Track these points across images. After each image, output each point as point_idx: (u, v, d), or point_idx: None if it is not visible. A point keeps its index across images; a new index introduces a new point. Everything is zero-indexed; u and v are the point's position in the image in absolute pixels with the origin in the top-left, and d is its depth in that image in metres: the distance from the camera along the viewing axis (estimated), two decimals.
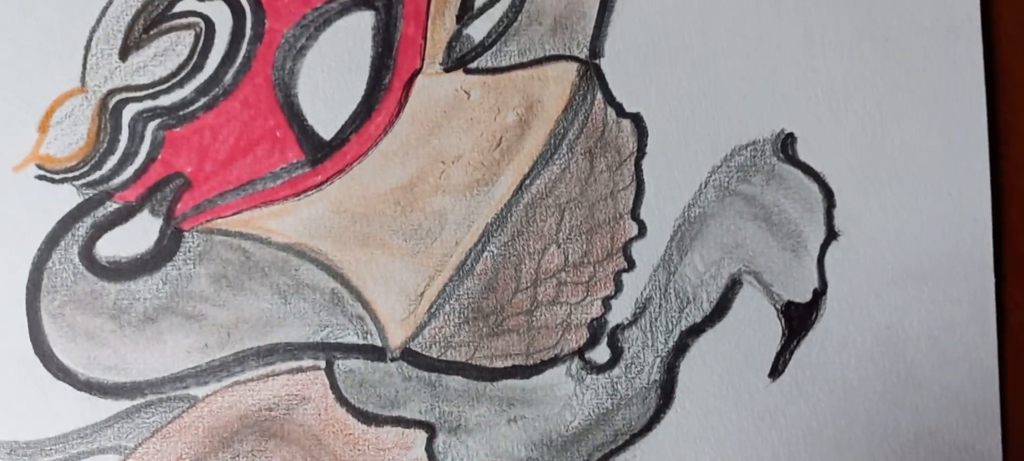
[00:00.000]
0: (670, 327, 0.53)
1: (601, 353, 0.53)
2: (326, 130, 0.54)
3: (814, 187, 0.53)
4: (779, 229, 0.53)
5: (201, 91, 0.54)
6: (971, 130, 0.53)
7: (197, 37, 0.55)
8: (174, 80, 0.54)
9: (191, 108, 0.54)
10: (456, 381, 0.54)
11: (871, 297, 0.52)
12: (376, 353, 0.54)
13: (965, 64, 0.53)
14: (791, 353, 0.52)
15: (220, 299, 0.54)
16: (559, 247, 0.54)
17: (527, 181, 0.54)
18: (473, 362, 0.53)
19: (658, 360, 0.53)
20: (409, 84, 0.54)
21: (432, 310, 0.54)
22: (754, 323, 0.53)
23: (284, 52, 0.54)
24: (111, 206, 0.54)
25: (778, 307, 0.53)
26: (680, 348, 0.53)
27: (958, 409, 0.52)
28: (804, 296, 0.53)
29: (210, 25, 0.55)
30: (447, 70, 0.54)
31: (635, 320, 0.53)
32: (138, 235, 0.54)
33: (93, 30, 0.55)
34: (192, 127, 0.54)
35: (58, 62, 0.55)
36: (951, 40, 0.53)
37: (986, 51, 0.53)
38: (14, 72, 0.55)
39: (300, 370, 0.54)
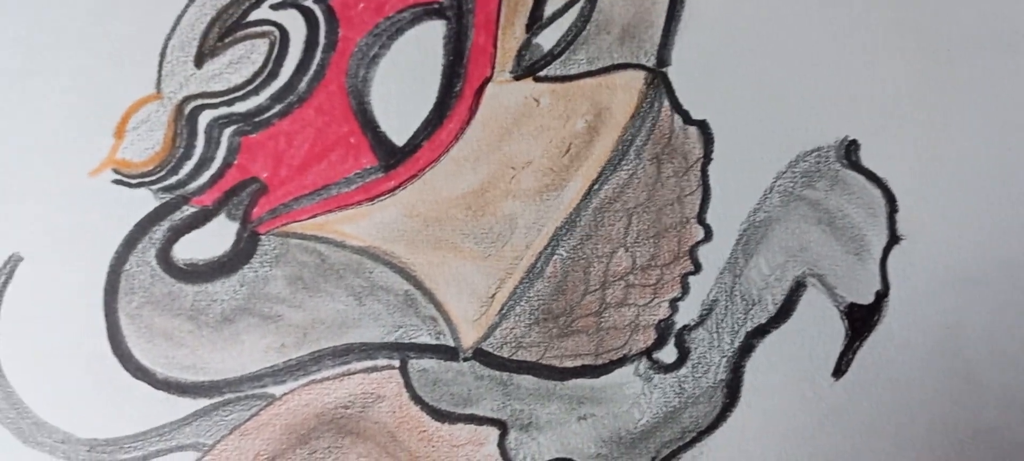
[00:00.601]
0: (736, 328, 0.54)
1: (668, 353, 0.54)
2: (399, 136, 0.55)
3: (877, 193, 0.54)
4: (843, 233, 0.54)
5: (276, 98, 0.55)
6: None
7: (272, 45, 0.56)
8: (249, 87, 0.55)
9: (266, 115, 0.55)
10: (527, 380, 0.54)
11: (931, 299, 0.53)
12: (449, 353, 0.54)
13: (1019, 76, 0.54)
14: (854, 353, 0.53)
15: (296, 300, 0.55)
16: (627, 250, 0.54)
17: (596, 186, 0.54)
18: (543, 362, 0.54)
19: (724, 360, 0.54)
20: (480, 92, 0.55)
21: (503, 311, 0.54)
22: (818, 324, 0.53)
23: (357, 60, 0.55)
24: (188, 210, 0.55)
25: (841, 309, 0.53)
26: (746, 349, 0.54)
27: (1016, 408, 0.52)
28: (867, 298, 0.53)
29: (284, 34, 0.56)
30: (517, 78, 0.55)
31: (702, 321, 0.54)
32: (215, 238, 0.55)
33: (168, 38, 0.56)
34: (267, 133, 0.55)
35: (134, 69, 0.56)
36: (1009, 54, 0.55)
37: None
38: (90, 79, 0.56)
39: (375, 369, 0.54)
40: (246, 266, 0.55)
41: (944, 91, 0.54)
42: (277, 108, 0.55)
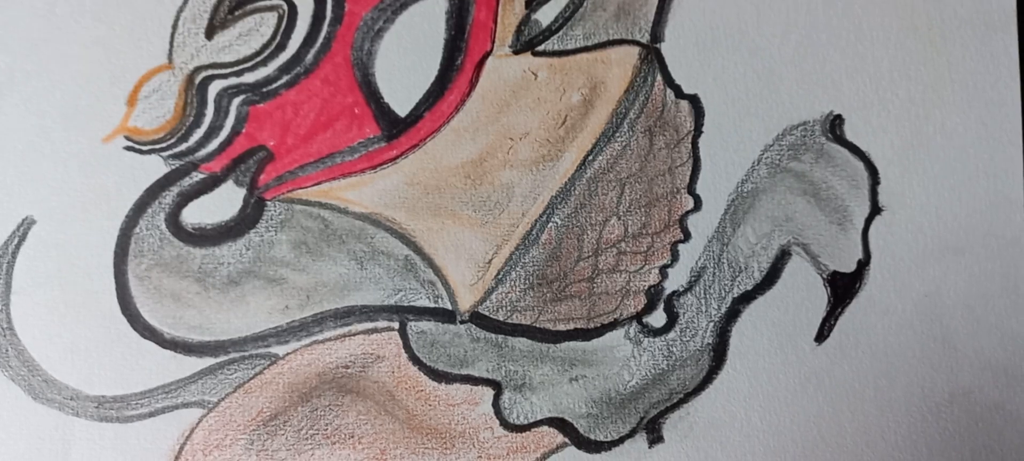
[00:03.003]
0: (723, 294, 0.54)
1: (658, 318, 0.54)
2: (401, 107, 0.54)
3: (860, 165, 0.54)
4: (827, 204, 0.54)
5: (284, 69, 0.54)
6: (1006, 116, 0.54)
7: (280, 18, 0.54)
8: (258, 59, 0.54)
9: (274, 85, 0.54)
10: (521, 342, 0.54)
11: (912, 268, 0.53)
12: (446, 316, 0.54)
13: (1001, 55, 0.54)
14: (836, 319, 0.53)
15: (300, 264, 0.54)
16: (619, 219, 0.54)
17: (590, 157, 0.54)
18: (537, 325, 0.54)
19: (711, 325, 0.54)
20: (480, 65, 0.54)
21: (499, 276, 0.54)
22: (802, 291, 0.53)
23: (363, 34, 0.55)
24: (196, 176, 0.54)
25: (824, 276, 0.53)
26: (732, 314, 0.54)
27: (990, 372, 0.53)
28: (849, 266, 0.53)
29: (292, 7, 0.54)
30: (516, 52, 0.55)
31: (690, 287, 0.54)
32: (222, 204, 0.54)
33: (180, 10, 0.56)
34: (275, 103, 0.54)
35: (146, 40, 0.55)
36: (989, 33, 0.54)
37: (1021, 44, 0.55)
38: (104, 49, 0.54)
39: (375, 331, 0.54)
40: (252, 231, 0.54)
41: (927, 68, 0.54)
42: (284, 79, 0.54)
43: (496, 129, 0.54)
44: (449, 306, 0.54)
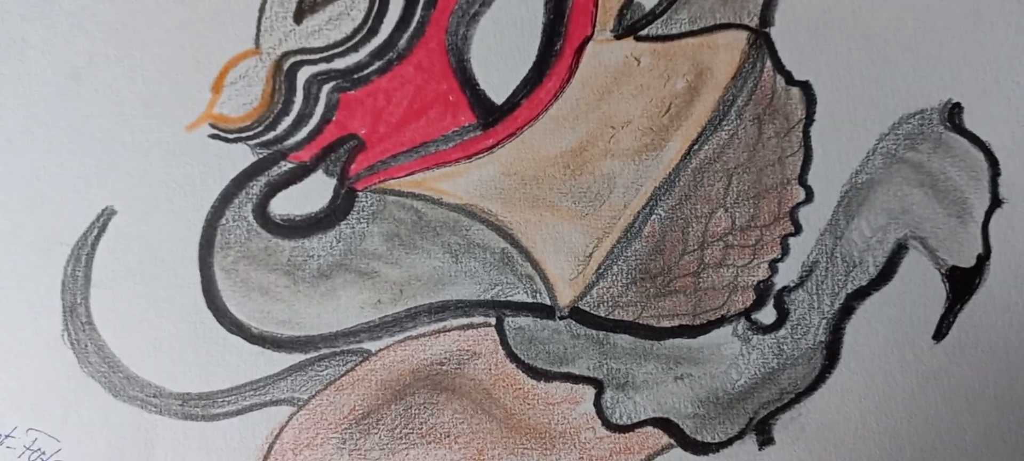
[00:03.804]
0: (836, 290, 0.51)
1: (767, 314, 0.52)
2: (498, 95, 0.52)
3: (980, 156, 0.51)
4: (945, 196, 0.51)
5: (375, 55, 0.52)
6: None
7: (371, 2, 0.52)
8: (349, 44, 0.52)
9: (365, 71, 0.52)
10: (624, 339, 0.52)
11: None
12: (545, 311, 0.52)
13: None
14: (955, 316, 0.51)
15: (393, 257, 0.52)
16: (726, 211, 0.52)
17: (695, 146, 0.52)
18: (640, 321, 0.52)
19: (824, 322, 0.51)
20: (580, 51, 0.52)
21: (600, 271, 0.52)
22: (919, 287, 0.51)
23: (457, 18, 0.52)
24: (285, 166, 0.52)
25: (943, 271, 0.51)
26: (846, 310, 0.51)
27: None
28: (968, 261, 0.51)
29: None
30: (618, 37, 0.52)
31: (801, 283, 0.52)
32: (312, 194, 0.52)
33: None
34: (366, 90, 0.52)
35: (232, 24, 0.52)
36: None
37: None
38: (188, 34, 0.52)
39: (471, 327, 0.52)
40: (343, 222, 0.52)
41: None
42: (376, 65, 0.52)
43: (597, 117, 0.52)
44: (548, 301, 0.52)
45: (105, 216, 0.53)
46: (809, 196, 0.51)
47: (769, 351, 0.51)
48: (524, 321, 0.52)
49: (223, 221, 0.52)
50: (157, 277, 0.52)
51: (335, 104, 0.52)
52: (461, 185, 0.52)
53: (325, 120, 0.52)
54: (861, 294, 0.51)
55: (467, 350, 0.52)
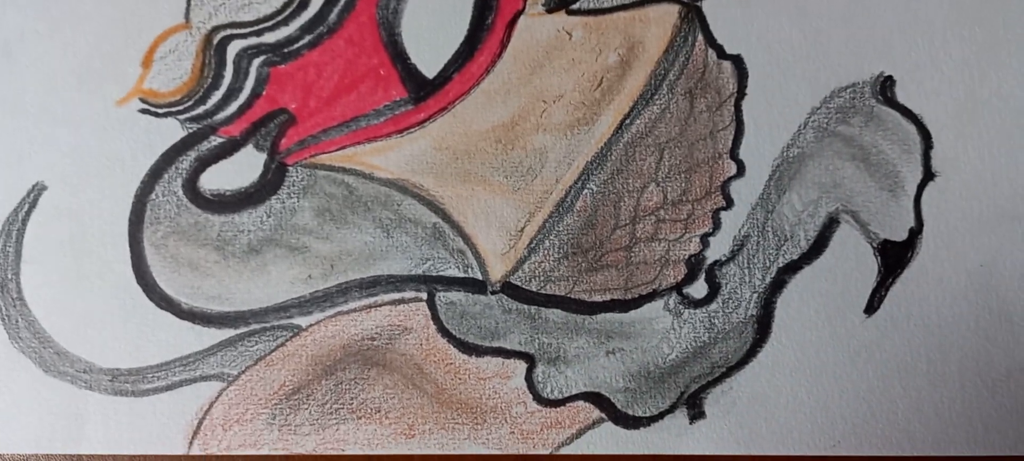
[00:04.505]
0: (767, 264, 0.51)
1: (699, 288, 0.51)
2: (429, 69, 0.52)
3: (912, 129, 0.51)
4: (877, 169, 0.51)
5: (306, 29, 0.52)
6: None
7: None
8: (279, 17, 0.52)
9: (296, 45, 0.52)
10: (555, 314, 0.51)
11: (966, 236, 0.50)
12: (477, 286, 0.51)
13: None
14: (887, 290, 0.50)
15: (324, 232, 0.52)
16: (658, 185, 0.51)
17: (627, 120, 0.51)
18: (572, 296, 0.51)
19: (755, 296, 0.51)
20: (512, 24, 0.51)
21: (532, 245, 0.51)
22: (851, 261, 0.50)
23: None
24: (215, 140, 0.52)
25: (874, 245, 0.50)
26: (777, 284, 0.51)
27: None
28: (900, 235, 0.51)
29: None
30: (549, 11, 0.52)
31: (733, 257, 0.51)
32: (242, 169, 0.52)
33: None
34: (297, 64, 0.52)
35: None
36: None
37: None
38: (119, 9, 0.52)
39: (402, 301, 0.51)
40: (273, 197, 0.52)
41: (982, 27, 0.51)
42: (307, 39, 0.52)
43: (529, 91, 0.51)
44: (479, 276, 0.51)
45: (36, 191, 0.52)
46: (741, 170, 0.51)
47: (700, 325, 0.50)
48: (456, 296, 0.51)
49: (153, 196, 0.52)
50: (87, 252, 0.52)
51: (265, 78, 0.52)
52: (392, 160, 0.51)
53: (255, 94, 0.52)
54: (792, 268, 0.50)
55: (398, 325, 0.51)
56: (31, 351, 0.51)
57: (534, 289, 0.51)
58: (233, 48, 0.52)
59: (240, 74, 0.51)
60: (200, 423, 0.51)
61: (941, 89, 0.50)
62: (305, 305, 0.51)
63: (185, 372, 0.51)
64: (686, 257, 0.51)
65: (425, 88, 0.51)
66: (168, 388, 0.51)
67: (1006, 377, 0.49)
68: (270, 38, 0.52)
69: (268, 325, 0.51)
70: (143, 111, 0.52)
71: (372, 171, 0.51)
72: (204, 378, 0.51)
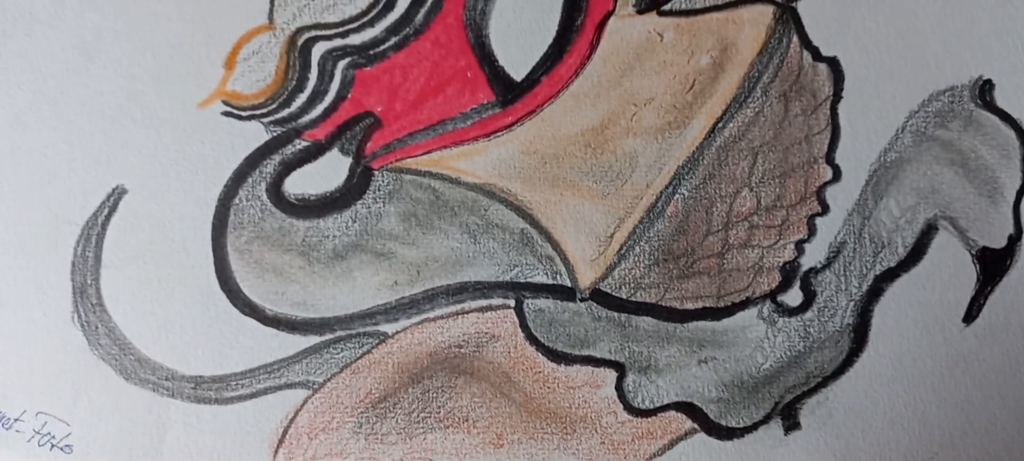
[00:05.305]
0: (864, 271, 0.50)
1: (793, 296, 0.50)
2: (517, 71, 0.51)
3: (1011, 134, 0.50)
4: (976, 175, 0.50)
5: (392, 30, 0.51)
6: None
7: None
8: (364, 19, 0.51)
9: (382, 47, 0.51)
10: (646, 322, 0.50)
11: None
12: (566, 293, 0.50)
13: None
14: (986, 298, 0.49)
15: (410, 237, 0.51)
16: (752, 190, 0.50)
17: (720, 124, 0.50)
18: (663, 303, 0.50)
19: (852, 304, 0.50)
20: (601, 26, 0.51)
21: (622, 252, 0.50)
22: (949, 268, 0.49)
23: None
24: (300, 144, 0.51)
25: (973, 252, 0.50)
26: (874, 292, 0.50)
27: None
28: (1000, 242, 0.50)
29: None
30: (640, 12, 0.51)
31: (829, 264, 0.50)
32: (327, 173, 0.51)
33: None
34: (382, 66, 0.51)
35: None
36: None
37: None
38: (200, 8, 0.51)
39: (490, 308, 0.51)
40: (359, 202, 0.51)
41: None
42: (393, 40, 0.51)
43: (619, 94, 0.50)
44: (568, 283, 0.50)
45: (116, 195, 0.51)
46: (837, 175, 0.50)
47: (795, 334, 0.50)
48: (544, 303, 0.50)
49: (236, 200, 0.51)
50: (169, 257, 0.51)
51: (350, 81, 0.51)
52: (479, 164, 0.51)
53: (340, 97, 0.51)
54: (890, 275, 0.49)
55: (486, 332, 0.50)
56: (111, 358, 0.51)
57: (624, 296, 0.50)
58: (318, 50, 0.51)
59: (325, 76, 0.51)
60: (285, 432, 0.50)
61: None
62: (391, 312, 0.50)
63: (269, 380, 0.50)
64: (780, 264, 0.50)
65: (513, 91, 0.50)
66: (252, 396, 0.50)
67: None
68: (355, 40, 0.51)
69: (354, 332, 0.50)
70: (226, 114, 0.51)
71: (459, 175, 0.50)
72: (289, 386, 0.50)
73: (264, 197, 0.51)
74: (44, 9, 0.51)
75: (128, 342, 0.51)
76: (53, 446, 0.50)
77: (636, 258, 0.50)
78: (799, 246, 0.50)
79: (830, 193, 0.50)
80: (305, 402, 0.50)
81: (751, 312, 0.50)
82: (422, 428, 0.50)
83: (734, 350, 0.50)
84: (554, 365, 0.50)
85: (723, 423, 0.50)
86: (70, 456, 0.50)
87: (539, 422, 0.50)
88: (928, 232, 0.49)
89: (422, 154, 0.51)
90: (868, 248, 0.49)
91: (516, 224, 0.50)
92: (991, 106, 0.49)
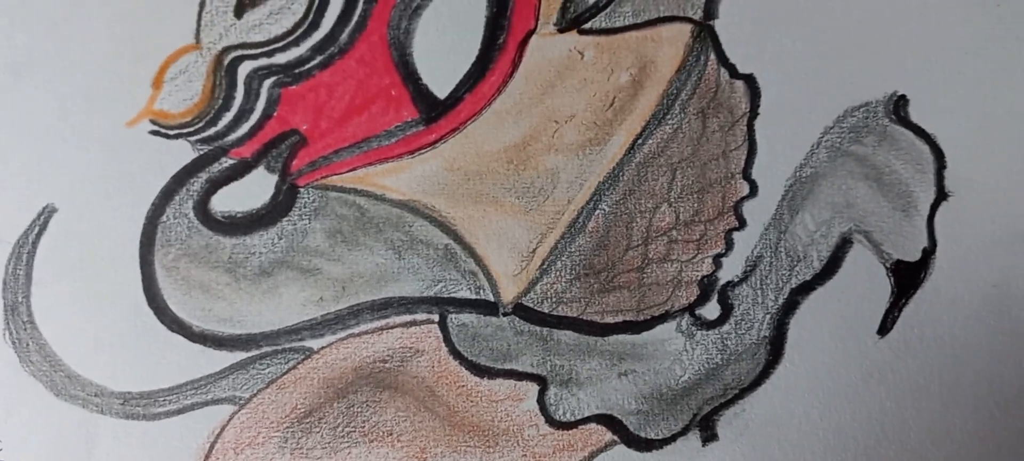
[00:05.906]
0: (780, 285, 0.50)
1: (711, 309, 0.51)
2: (440, 89, 0.51)
3: (925, 149, 0.50)
4: (890, 189, 0.51)
5: (317, 49, 0.51)
6: None
7: None
8: (290, 38, 0.51)
9: (307, 66, 0.51)
10: (567, 336, 0.51)
11: (980, 257, 0.50)
12: (489, 308, 0.51)
13: None
14: (900, 311, 0.50)
15: (335, 254, 0.51)
16: (671, 206, 0.51)
17: (639, 141, 0.51)
18: (584, 317, 0.51)
19: (768, 317, 0.50)
20: (523, 44, 0.51)
21: (544, 266, 0.51)
22: (864, 281, 0.50)
23: (400, 11, 0.51)
24: (226, 162, 0.51)
25: (888, 266, 0.50)
26: (790, 305, 0.50)
27: None
28: (914, 255, 0.50)
29: None
30: (561, 30, 0.51)
31: (745, 278, 0.51)
32: (253, 190, 0.51)
33: None
34: (308, 85, 0.51)
35: (172, 19, 0.51)
36: None
37: None
38: (128, 28, 0.51)
39: (414, 323, 0.51)
40: (285, 219, 0.51)
41: (996, 45, 0.50)
42: (318, 59, 0.51)
43: (540, 111, 0.51)
44: (491, 298, 0.51)
45: (46, 213, 0.52)
46: (753, 190, 0.50)
47: (713, 346, 0.50)
48: (467, 318, 0.51)
49: (164, 218, 0.51)
50: (98, 275, 0.51)
51: (276, 99, 0.51)
52: (404, 181, 0.51)
53: (266, 115, 0.51)
54: (805, 289, 0.50)
55: (410, 347, 0.51)
56: (42, 375, 0.51)
57: (546, 310, 0.51)
58: (244, 69, 0.51)
59: (251, 95, 0.51)
60: (212, 447, 0.50)
61: (954, 108, 0.50)
62: (317, 327, 0.51)
63: (197, 395, 0.51)
64: (698, 278, 0.50)
65: (436, 108, 0.51)
66: (179, 411, 0.51)
67: (1019, 397, 0.49)
68: (281, 59, 0.51)
69: (280, 348, 0.51)
70: (153, 133, 0.52)
71: (383, 192, 0.51)
72: (216, 401, 0.51)
73: (191, 215, 0.51)
74: None
75: (58, 359, 0.51)
76: None
77: (558, 273, 0.50)
78: (717, 260, 0.50)
79: (747, 208, 0.50)
80: (231, 417, 0.51)
81: (670, 325, 0.50)
82: (347, 442, 0.50)
83: (653, 363, 0.50)
84: (477, 379, 0.51)
85: (643, 435, 0.50)
86: None
87: (462, 435, 0.50)
88: (843, 246, 0.50)
89: (347, 171, 0.51)
90: (784, 262, 0.50)
91: (440, 240, 0.51)
92: (905, 121, 0.50)
